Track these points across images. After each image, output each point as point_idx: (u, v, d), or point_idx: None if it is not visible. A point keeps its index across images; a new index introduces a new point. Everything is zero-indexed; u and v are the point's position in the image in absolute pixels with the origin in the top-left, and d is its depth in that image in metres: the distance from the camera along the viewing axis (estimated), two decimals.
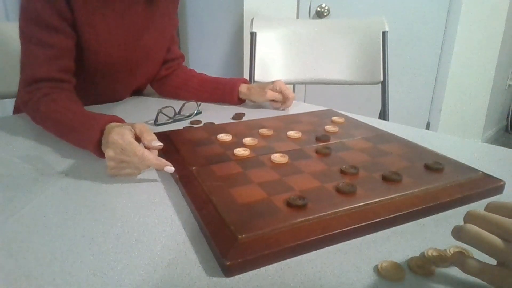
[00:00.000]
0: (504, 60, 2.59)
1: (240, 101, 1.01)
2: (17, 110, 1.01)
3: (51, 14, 0.76)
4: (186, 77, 1.06)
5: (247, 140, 0.68)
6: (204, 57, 2.06)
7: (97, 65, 0.88)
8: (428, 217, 0.48)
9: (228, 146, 0.66)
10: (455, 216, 0.49)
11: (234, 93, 0.98)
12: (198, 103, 0.93)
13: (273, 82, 0.94)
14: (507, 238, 0.33)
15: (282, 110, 0.95)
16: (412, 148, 0.66)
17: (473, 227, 0.34)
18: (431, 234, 0.45)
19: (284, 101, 0.94)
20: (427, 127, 2.13)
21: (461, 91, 2.15)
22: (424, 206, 0.48)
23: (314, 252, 0.42)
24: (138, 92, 1.11)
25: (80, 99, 0.79)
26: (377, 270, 0.39)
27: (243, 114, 0.90)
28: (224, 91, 1.00)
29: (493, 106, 2.73)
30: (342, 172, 0.56)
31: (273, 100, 0.95)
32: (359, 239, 0.44)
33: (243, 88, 0.98)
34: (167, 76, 1.06)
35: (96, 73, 0.89)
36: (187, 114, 0.89)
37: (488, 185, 0.54)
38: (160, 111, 0.85)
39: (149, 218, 0.49)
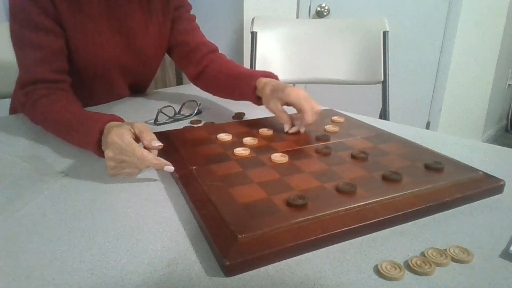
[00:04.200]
0: (504, 60, 2.59)
1: (261, 101, 0.81)
2: (13, 110, 1.00)
3: (40, 15, 0.75)
4: (215, 74, 0.93)
5: (247, 140, 0.68)
6: None
7: (88, 68, 0.87)
8: (428, 217, 0.48)
9: (228, 145, 0.66)
10: (455, 216, 0.49)
11: (250, 89, 0.81)
12: (198, 102, 0.93)
13: (287, 88, 0.73)
14: None
15: (297, 130, 0.74)
16: (412, 148, 0.66)
17: None
18: (431, 234, 0.45)
19: (300, 117, 0.72)
20: (427, 127, 2.13)
21: (461, 91, 2.14)
22: (424, 206, 0.48)
23: (314, 252, 0.42)
24: (140, 91, 1.11)
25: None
26: (377, 270, 0.39)
27: (243, 114, 0.90)
28: (242, 87, 0.84)
29: (493, 106, 2.73)
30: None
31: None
32: (359, 239, 0.44)
33: (260, 83, 0.79)
34: (201, 73, 0.96)
35: (89, 75, 0.88)
36: (187, 114, 0.89)
37: (488, 184, 0.54)
38: (160, 111, 0.85)
39: (149, 218, 0.49)
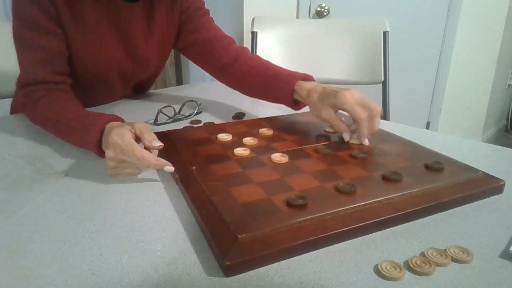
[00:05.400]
0: (504, 60, 2.59)
1: (299, 105, 0.79)
2: (14, 110, 1.00)
3: (42, 17, 0.75)
4: (242, 75, 0.89)
5: (247, 140, 0.68)
6: None
7: (88, 71, 0.86)
8: (428, 217, 0.48)
9: (228, 146, 0.66)
10: (455, 216, 0.49)
11: (286, 93, 0.77)
12: (198, 102, 0.93)
13: (339, 92, 0.66)
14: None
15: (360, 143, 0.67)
16: (412, 148, 0.66)
17: None
18: (431, 234, 0.45)
19: (357, 127, 0.66)
20: (427, 127, 2.13)
21: (461, 91, 2.15)
22: (424, 206, 0.48)
23: (314, 252, 0.42)
24: (142, 90, 1.10)
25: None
26: (377, 270, 0.39)
27: (243, 114, 0.90)
28: (277, 90, 0.79)
29: (493, 106, 2.73)
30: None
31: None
32: (359, 239, 0.44)
33: (302, 88, 0.74)
34: (223, 69, 0.92)
35: (89, 78, 0.88)
36: (187, 114, 0.89)
37: (488, 185, 0.54)
38: (160, 111, 0.85)
39: (149, 218, 0.49)
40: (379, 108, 0.66)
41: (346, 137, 0.68)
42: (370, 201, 0.48)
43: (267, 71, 0.84)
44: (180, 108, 0.91)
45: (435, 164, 0.57)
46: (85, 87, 0.89)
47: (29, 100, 0.76)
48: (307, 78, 0.77)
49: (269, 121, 0.80)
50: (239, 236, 0.41)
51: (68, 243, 0.43)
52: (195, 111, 0.90)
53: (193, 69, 2.22)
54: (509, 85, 3.03)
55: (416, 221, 0.48)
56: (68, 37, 0.80)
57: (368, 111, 0.65)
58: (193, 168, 0.58)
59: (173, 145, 0.67)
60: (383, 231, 0.46)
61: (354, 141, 0.68)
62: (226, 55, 0.90)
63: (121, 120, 0.65)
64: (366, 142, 0.67)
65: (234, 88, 0.93)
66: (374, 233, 0.45)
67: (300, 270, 0.39)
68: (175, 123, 0.85)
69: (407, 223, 0.47)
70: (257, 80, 0.85)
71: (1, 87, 1.13)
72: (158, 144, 0.58)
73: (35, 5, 0.74)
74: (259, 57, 0.91)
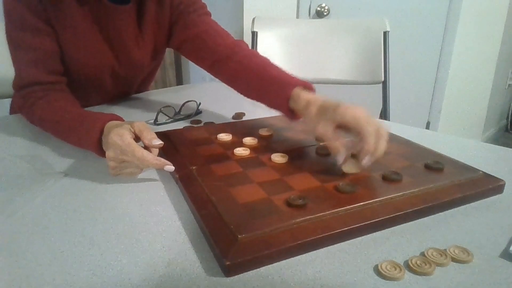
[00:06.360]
0: (504, 60, 2.59)
1: (295, 115, 0.68)
2: (13, 111, 1.00)
3: (32, 17, 0.74)
4: (235, 74, 0.82)
5: (247, 140, 0.68)
6: None
7: (81, 74, 0.86)
8: (428, 217, 0.48)
9: (228, 146, 0.66)
10: (455, 216, 0.49)
11: (282, 100, 0.68)
12: (198, 102, 0.93)
13: (341, 105, 0.57)
14: None
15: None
16: (412, 148, 0.66)
17: None
18: (431, 234, 0.45)
19: (360, 144, 0.54)
20: (427, 127, 2.13)
21: (461, 91, 2.14)
22: (424, 206, 0.48)
23: (314, 252, 0.42)
24: (141, 90, 1.10)
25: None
26: (377, 270, 0.39)
27: (243, 114, 0.90)
28: (272, 94, 0.72)
29: (493, 106, 2.73)
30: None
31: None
32: (359, 239, 0.44)
33: (300, 98, 0.65)
34: (217, 65, 0.86)
35: (83, 80, 0.87)
36: (187, 114, 0.89)
37: (488, 184, 0.54)
38: (160, 111, 0.85)
39: (149, 218, 0.49)
40: (386, 131, 0.55)
41: (339, 159, 0.56)
42: (370, 201, 0.48)
43: (263, 72, 0.76)
44: (180, 108, 0.91)
45: (435, 164, 0.57)
46: (80, 87, 0.89)
47: (26, 101, 0.75)
48: (307, 86, 0.68)
49: (269, 121, 0.80)
50: (239, 236, 0.41)
51: (68, 243, 0.43)
52: (195, 111, 0.90)
53: (193, 69, 2.22)
54: (509, 85, 3.03)
55: (416, 221, 0.48)
56: (58, 37, 0.79)
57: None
58: (193, 168, 0.58)
59: (173, 145, 0.67)
60: (383, 231, 0.46)
61: (347, 169, 0.55)
62: (218, 51, 0.84)
63: (121, 119, 0.65)
64: (367, 161, 0.54)
65: (229, 86, 0.87)
66: (374, 233, 0.45)
67: (300, 270, 0.39)
68: (175, 123, 0.85)
69: (407, 223, 0.47)
70: (251, 81, 0.78)
71: (1, 87, 1.13)
72: (158, 142, 0.58)
73: (25, 5, 0.74)
74: (256, 54, 0.84)
